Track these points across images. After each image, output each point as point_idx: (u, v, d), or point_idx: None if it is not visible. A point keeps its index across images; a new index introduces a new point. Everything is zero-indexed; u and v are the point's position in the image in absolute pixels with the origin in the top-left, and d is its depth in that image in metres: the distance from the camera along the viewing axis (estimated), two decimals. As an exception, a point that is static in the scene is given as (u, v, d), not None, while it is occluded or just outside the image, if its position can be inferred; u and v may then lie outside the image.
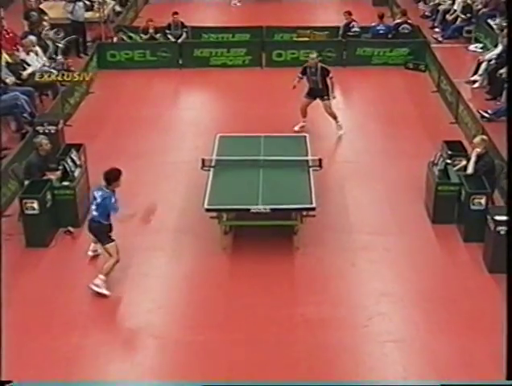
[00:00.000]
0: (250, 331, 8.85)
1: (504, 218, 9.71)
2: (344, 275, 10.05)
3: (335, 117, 14.33)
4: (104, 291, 9.42)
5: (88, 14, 19.30)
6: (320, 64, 14.14)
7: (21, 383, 7.02)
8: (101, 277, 9.44)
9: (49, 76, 14.80)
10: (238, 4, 23.60)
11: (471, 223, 10.50)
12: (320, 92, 14.07)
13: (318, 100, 14.18)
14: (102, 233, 9.53)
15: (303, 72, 14.18)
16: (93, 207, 9.45)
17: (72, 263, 10.29)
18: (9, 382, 6.26)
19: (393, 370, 8.22)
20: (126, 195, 9.95)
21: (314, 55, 14.32)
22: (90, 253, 10.18)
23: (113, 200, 9.30)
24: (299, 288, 9.76)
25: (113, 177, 9.42)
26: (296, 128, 14.14)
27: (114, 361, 8.47)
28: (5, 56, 15.43)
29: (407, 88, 16.68)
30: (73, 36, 17.88)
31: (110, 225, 9.53)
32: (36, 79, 14.56)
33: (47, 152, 11.29)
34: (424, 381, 7.56)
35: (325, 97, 14.07)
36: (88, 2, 19.38)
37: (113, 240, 9.53)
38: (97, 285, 9.43)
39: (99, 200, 9.37)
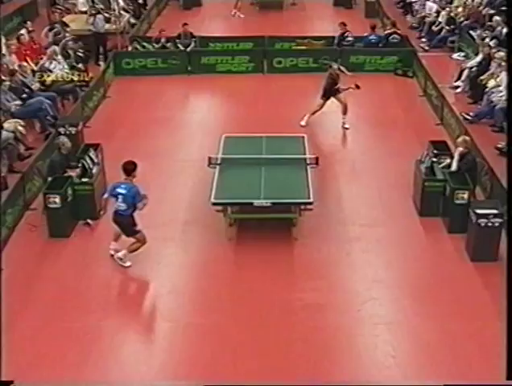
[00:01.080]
0: (253, 314, 8.84)
1: (484, 211, 9.73)
2: (339, 263, 10.04)
3: (345, 112, 14.49)
4: (127, 263, 9.63)
5: (106, 26, 19.27)
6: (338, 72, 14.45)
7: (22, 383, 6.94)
8: (126, 252, 9.64)
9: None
10: (242, 16, 23.53)
11: (455, 216, 10.47)
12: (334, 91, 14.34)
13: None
14: (128, 225, 9.53)
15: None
16: (120, 200, 9.40)
17: (90, 252, 10.28)
18: (11, 382, 6.18)
19: (383, 349, 8.20)
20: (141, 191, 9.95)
21: (335, 66, 14.67)
22: (112, 252, 9.92)
23: (140, 190, 9.39)
24: (297, 275, 9.74)
25: (131, 168, 9.54)
26: (303, 123, 14.29)
27: (129, 341, 8.47)
28: (31, 64, 15.47)
29: (396, 92, 16.64)
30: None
31: (133, 217, 9.52)
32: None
33: (68, 151, 11.29)
34: (424, 381, 7.48)
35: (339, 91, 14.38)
36: (106, 15, 19.35)
37: (138, 232, 9.56)
38: (119, 258, 9.65)
39: (125, 192, 9.38)
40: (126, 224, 9.57)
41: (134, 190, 9.39)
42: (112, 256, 9.87)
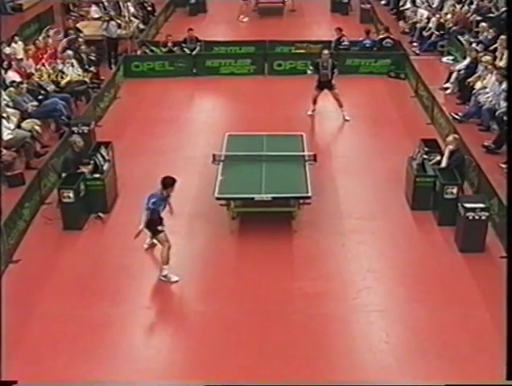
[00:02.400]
0: (255, 302, 8.80)
1: (472, 205, 9.68)
2: (335, 254, 9.99)
3: (341, 105, 14.63)
4: (173, 278, 9.19)
5: (118, 32, 19.20)
6: (330, 60, 14.53)
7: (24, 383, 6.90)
8: (164, 267, 9.24)
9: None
10: (245, 20, 23.47)
11: (444, 209, 10.42)
12: (328, 83, 14.45)
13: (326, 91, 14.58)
14: (151, 226, 9.24)
15: (316, 67, 14.50)
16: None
17: (102, 243, 10.25)
18: (14, 382, 6.14)
19: (377, 335, 8.17)
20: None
21: (326, 51, 14.91)
22: (145, 246, 9.87)
23: (152, 199, 9.04)
24: (296, 265, 9.69)
25: (170, 183, 9.24)
26: (309, 112, 14.71)
27: (138, 327, 8.43)
28: (47, 67, 15.42)
29: (390, 93, 16.55)
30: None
31: (157, 219, 9.21)
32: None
33: (80, 149, 11.24)
34: (425, 381, 7.40)
35: (333, 87, 14.48)
36: (118, 21, 19.28)
37: (161, 232, 9.26)
38: (165, 277, 9.21)
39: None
40: (149, 225, 9.22)
41: (148, 196, 9.15)
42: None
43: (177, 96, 16.72)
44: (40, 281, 9.21)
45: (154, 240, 9.63)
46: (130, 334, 8.29)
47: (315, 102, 14.75)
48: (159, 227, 9.27)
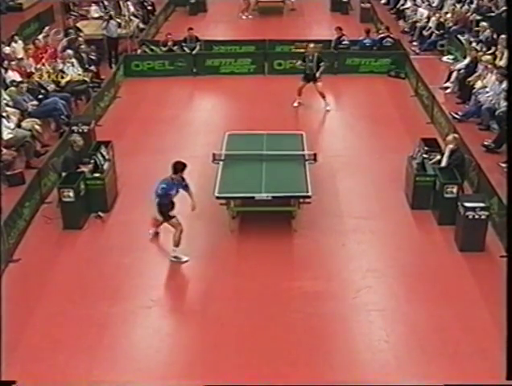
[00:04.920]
0: (255, 301, 8.80)
1: (472, 204, 9.67)
2: (335, 254, 9.99)
3: (324, 96, 15.16)
4: (183, 258, 9.59)
5: (118, 31, 19.19)
6: (316, 54, 15.12)
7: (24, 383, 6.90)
8: (174, 248, 9.60)
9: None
10: (244, 17, 23.51)
11: (444, 209, 10.41)
12: (313, 76, 14.99)
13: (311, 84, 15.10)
14: (164, 212, 9.58)
15: (303, 60, 15.15)
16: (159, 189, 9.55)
17: (102, 242, 10.24)
18: (13, 382, 6.13)
19: (377, 335, 8.16)
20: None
21: (312, 44, 15.61)
22: (150, 234, 10.20)
23: (162, 185, 9.43)
24: (297, 265, 9.69)
25: (180, 167, 9.62)
26: (295, 104, 15.24)
27: (138, 327, 8.42)
28: (47, 67, 15.42)
29: (390, 92, 16.55)
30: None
31: (170, 204, 9.57)
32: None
33: (80, 148, 11.24)
34: (425, 381, 7.38)
35: (317, 80, 15.00)
36: (118, 20, 19.28)
37: (172, 217, 9.61)
38: (175, 257, 9.61)
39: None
40: (161, 210, 9.59)
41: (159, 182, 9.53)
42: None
43: (177, 95, 16.72)
44: (40, 281, 9.21)
45: (168, 225, 9.79)
46: (130, 334, 8.28)
47: (300, 94, 15.25)
48: (171, 213, 9.55)
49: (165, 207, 9.52)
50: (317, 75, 14.96)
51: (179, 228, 9.62)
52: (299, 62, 15.28)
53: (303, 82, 15.20)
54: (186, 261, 9.60)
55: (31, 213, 10.65)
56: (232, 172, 10.89)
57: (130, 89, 16.89)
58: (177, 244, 9.63)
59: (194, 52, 18.25)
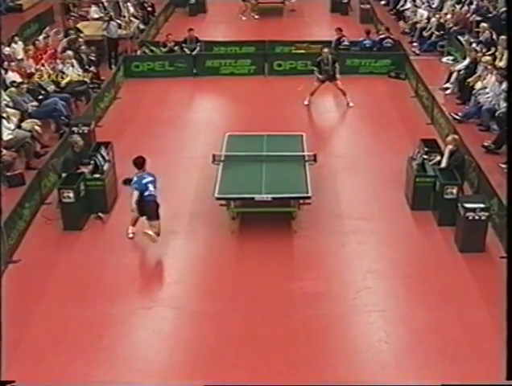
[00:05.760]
0: (255, 303, 8.80)
1: (472, 205, 9.68)
2: (335, 254, 10.00)
3: (344, 94, 15.32)
4: (151, 232, 9.69)
5: (118, 32, 19.20)
6: (330, 56, 15.43)
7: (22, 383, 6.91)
8: (149, 231, 9.71)
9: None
10: (245, 18, 23.55)
11: (444, 209, 10.42)
12: (331, 76, 15.25)
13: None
14: (156, 208, 9.74)
15: (318, 65, 15.35)
16: (151, 187, 9.74)
17: (102, 243, 10.24)
18: (11, 382, 6.13)
19: (377, 335, 8.16)
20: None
21: (326, 49, 15.76)
22: (131, 235, 10.21)
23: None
24: (297, 266, 9.70)
25: (141, 161, 9.99)
26: (305, 102, 15.36)
27: (138, 327, 8.43)
28: (47, 68, 15.43)
29: (390, 93, 16.56)
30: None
31: (153, 204, 9.78)
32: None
33: (80, 149, 11.25)
34: (425, 381, 7.36)
35: (336, 78, 15.27)
36: (118, 21, 19.29)
37: (159, 218, 9.81)
38: (146, 233, 9.76)
39: (151, 178, 9.83)
40: (156, 207, 9.76)
41: (153, 174, 9.88)
42: (131, 238, 10.12)
43: (177, 96, 16.72)
44: (40, 281, 9.21)
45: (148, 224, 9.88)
46: (130, 335, 8.29)
47: (313, 93, 15.32)
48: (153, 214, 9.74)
49: (151, 206, 9.75)
50: (337, 76, 15.17)
51: (158, 232, 9.77)
52: (315, 69, 15.35)
53: (318, 83, 15.31)
54: (151, 236, 9.68)
55: (31, 214, 10.65)
56: (232, 173, 10.90)
57: (130, 90, 16.90)
58: (155, 231, 9.72)
59: (194, 53, 18.26)
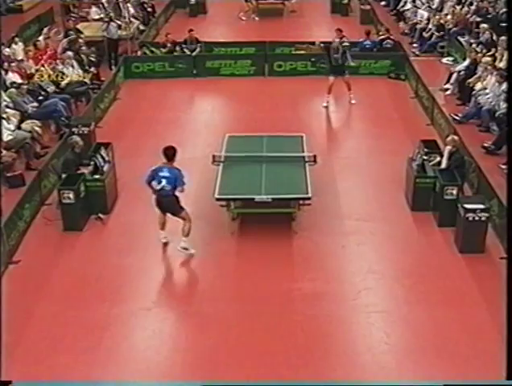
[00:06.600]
0: (255, 303, 8.80)
1: (472, 206, 9.68)
2: (335, 255, 10.00)
3: (350, 88, 15.37)
4: (191, 250, 9.60)
5: (118, 32, 19.21)
6: (340, 46, 15.18)
7: (21, 383, 6.91)
8: (185, 238, 9.59)
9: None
10: (245, 18, 23.59)
11: (444, 210, 10.42)
12: (340, 67, 15.09)
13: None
14: (176, 205, 9.61)
15: (327, 53, 15.32)
16: (164, 182, 9.48)
17: (102, 244, 10.26)
18: (9, 382, 6.13)
19: (377, 336, 8.16)
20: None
21: (337, 39, 15.48)
22: (164, 240, 10.01)
23: (183, 174, 9.51)
24: (296, 266, 9.70)
25: (172, 153, 9.63)
26: (324, 104, 15.29)
27: (138, 328, 8.42)
28: (47, 68, 15.44)
29: (390, 94, 16.58)
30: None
31: (172, 198, 9.61)
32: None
33: (80, 150, 11.26)
34: (425, 382, 7.38)
35: (345, 73, 15.20)
36: (118, 22, 19.31)
37: (184, 209, 9.65)
38: (184, 248, 9.61)
39: (168, 174, 9.49)
40: (173, 203, 9.62)
41: (176, 172, 9.53)
42: (165, 244, 9.98)
43: (177, 97, 16.74)
44: (40, 282, 9.21)
45: (177, 219, 9.76)
46: (130, 335, 8.29)
47: (329, 91, 15.18)
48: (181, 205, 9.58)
49: (177, 199, 9.62)
50: (350, 62, 15.05)
51: (189, 219, 9.64)
52: (312, 60, 15.46)
53: (332, 77, 15.12)
54: (192, 254, 9.64)
55: (31, 215, 10.66)
56: (232, 174, 10.90)
57: (130, 91, 16.92)
58: (187, 234, 9.62)
59: (194, 54, 18.28)
